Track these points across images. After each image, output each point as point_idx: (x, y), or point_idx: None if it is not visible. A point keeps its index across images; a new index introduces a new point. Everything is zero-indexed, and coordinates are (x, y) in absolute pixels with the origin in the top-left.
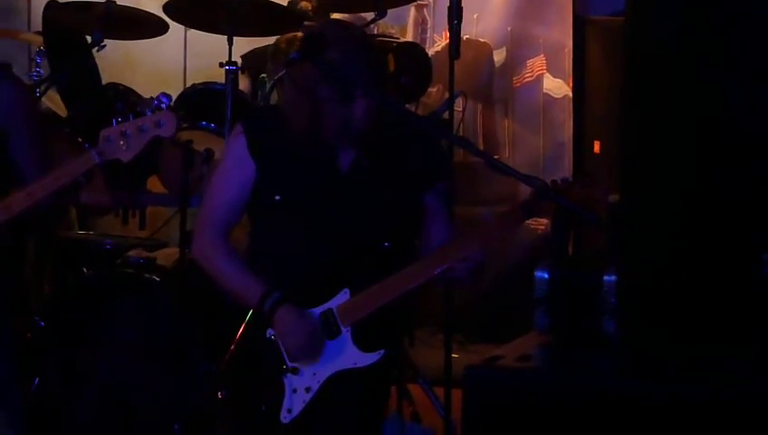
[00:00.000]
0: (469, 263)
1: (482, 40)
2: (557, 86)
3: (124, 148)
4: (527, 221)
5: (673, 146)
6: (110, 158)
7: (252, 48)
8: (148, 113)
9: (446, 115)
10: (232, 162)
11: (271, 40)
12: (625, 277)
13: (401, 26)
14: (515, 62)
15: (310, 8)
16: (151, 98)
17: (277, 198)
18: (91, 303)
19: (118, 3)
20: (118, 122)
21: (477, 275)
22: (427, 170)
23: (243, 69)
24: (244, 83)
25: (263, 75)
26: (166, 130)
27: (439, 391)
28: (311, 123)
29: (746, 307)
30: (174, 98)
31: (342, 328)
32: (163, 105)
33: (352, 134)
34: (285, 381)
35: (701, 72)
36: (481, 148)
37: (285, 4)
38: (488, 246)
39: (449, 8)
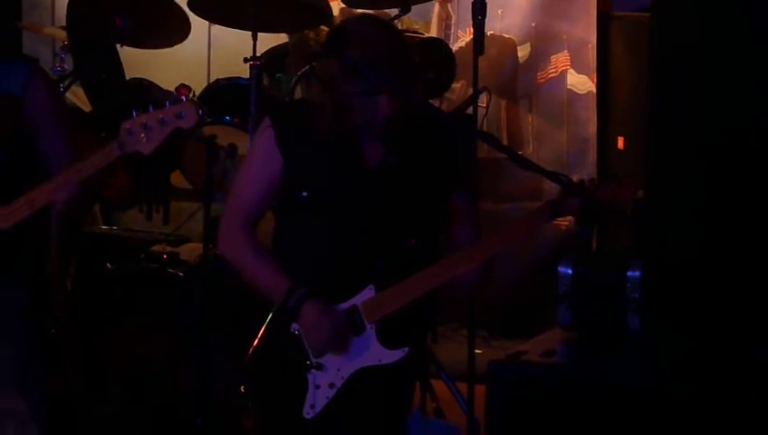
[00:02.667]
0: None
1: (506, 36)
2: (581, 82)
3: (145, 140)
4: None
5: (698, 142)
6: (131, 150)
7: (275, 44)
8: (169, 105)
9: (470, 111)
10: (260, 156)
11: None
12: (649, 273)
13: (425, 22)
14: (539, 57)
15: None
16: (172, 90)
17: (304, 193)
18: (115, 298)
19: None
20: (138, 114)
21: (485, 282)
22: (452, 167)
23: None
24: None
25: (279, 75)
26: (187, 121)
27: (462, 387)
28: (336, 119)
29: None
30: (198, 93)
31: (367, 325)
32: (183, 96)
33: (378, 129)
34: (309, 376)
35: (727, 67)
36: (505, 144)
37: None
38: (514, 245)
39: (473, 4)
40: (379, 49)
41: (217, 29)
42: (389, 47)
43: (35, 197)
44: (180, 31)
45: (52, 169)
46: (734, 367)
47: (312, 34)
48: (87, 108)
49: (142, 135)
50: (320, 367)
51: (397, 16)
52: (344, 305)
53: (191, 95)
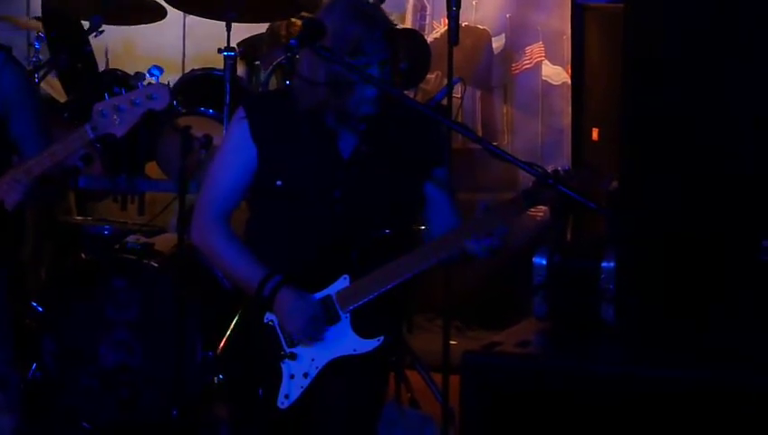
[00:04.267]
0: (493, 240)
1: (481, 27)
2: (556, 73)
3: (117, 122)
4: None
5: (671, 133)
6: (104, 132)
7: (250, 35)
8: (141, 87)
9: (444, 101)
10: (233, 146)
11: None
12: (623, 264)
13: (400, 13)
14: (514, 48)
15: None
16: (143, 72)
17: (278, 183)
18: (90, 288)
19: None
20: (110, 97)
21: (496, 253)
22: (426, 157)
23: (240, 56)
24: (240, 70)
25: (257, 62)
26: (159, 102)
27: (437, 378)
28: (311, 109)
29: (746, 293)
30: (173, 84)
31: (342, 314)
32: (155, 78)
33: (352, 120)
34: (283, 366)
35: (701, 58)
36: (480, 134)
37: None
38: (489, 234)
39: None
40: (352, 40)
41: (192, 19)
42: (363, 37)
43: (7, 180)
44: (156, 13)
45: (26, 155)
46: (710, 357)
47: (283, 25)
48: (62, 98)
49: (115, 117)
50: (294, 357)
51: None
52: (319, 295)
53: (162, 77)
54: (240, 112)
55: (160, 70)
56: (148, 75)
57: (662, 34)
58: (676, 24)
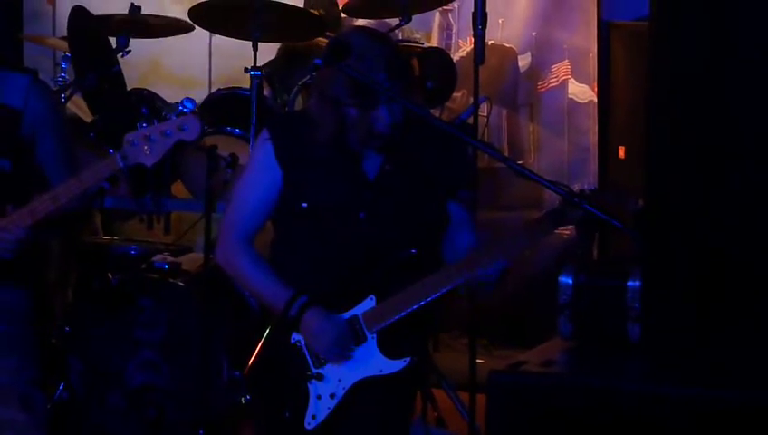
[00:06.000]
0: (494, 269)
1: (507, 45)
2: (582, 91)
3: (148, 152)
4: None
5: (697, 151)
6: (134, 162)
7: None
8: (173, 118)
9: (470, 120)
10: (258, 168)
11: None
12: (649, 283)
13: (426, 32)
14: (540, 66)
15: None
16: (176, 103)
17: (304, 205)
18: (116, 308)
19: (143, 9)
20: (142, 127)
21: (502, 282)
22: (450, 177)
23: (264, 77)
24: (265, 90)
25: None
26: (189, 133)
27: (464, 396)
28: (336, 130)
29: None
30: (199, 103)
31: (368, 335)
32: (187, 109)
33: (377, 140)
34: (310, 387)
35: (727, 77)
36: (506, 153)
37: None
38: (515, 255)
39: (474, 14)
40: (378, 60)
41: (218, 37)
42: (388, 58)
43: (35, 207)
44: (182, 27)
45: (51, 180)
46: (736, 376)
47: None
48: (88, 118)
49: (145, 147)
50: (321, 377)
51: (398, 26)
52: (345, 315)
53: (195, 108)
54: (264, 134)
55: (193, 102)
56: (180, 107)
57: (687, 52)
58: (702, 41)
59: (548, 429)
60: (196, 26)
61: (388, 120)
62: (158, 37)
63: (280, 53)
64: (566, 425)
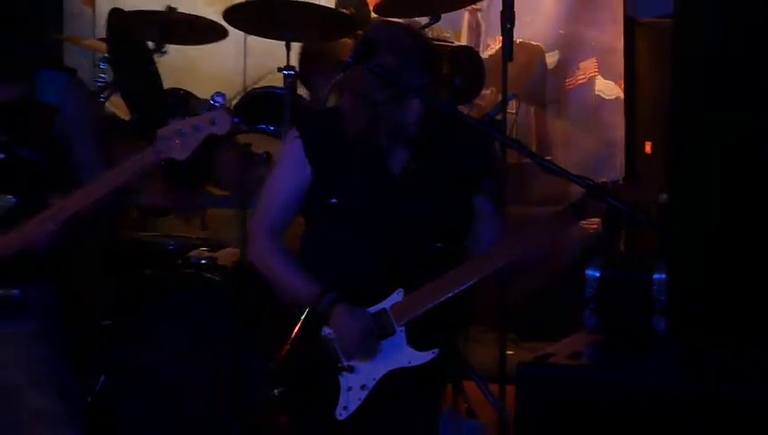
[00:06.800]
0: (536, 255)
1: (534, 43)
2: (609, 87)
3: (180, 146)
4: (580, 221)
5: (719, 146)
6: (166, 156)
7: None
8: (204, 112)
9: (499, 117)
10: (288, 165)
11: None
12: (675, 276)
13: (455, 30)
14: (568, 64)
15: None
16: (206, 99)
17: (333, 200)
18: (154, 302)
19: (178, 10)
20: (174, 121)
21: (540, 268)
22: (475, 172)
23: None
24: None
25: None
26: (220, 127)
27: (494, 388)
28: (366, 126)
29: None
30: (234, 102)
31: (397, 327)
32: (218, 104)
33: (406, 136)
34: (341, 379)
35: (748, 73)
36: (534, 149)
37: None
38: (540, 247)
39: (502, 12)
40: (408, 52)
41: (252, 38)
42: (418, 50)
43: (72, 201)
44: (217, 33)
45: (84, 177)
46: (761, 370)
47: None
48: (126, 117)
49: (177, 141)
50: (351, 369)
51: (427, 25)
52: (374, 309)
53: (225, 103)
54: (294, 132)
55: (223, 96)
56: (211, 101)
57: (710, 49)
58: (724, 38)
59: (575, 419)
60: (231, 28)
61: (416, 116)
62: (193, 44)
63: (302, 52)
64: (593, 415)
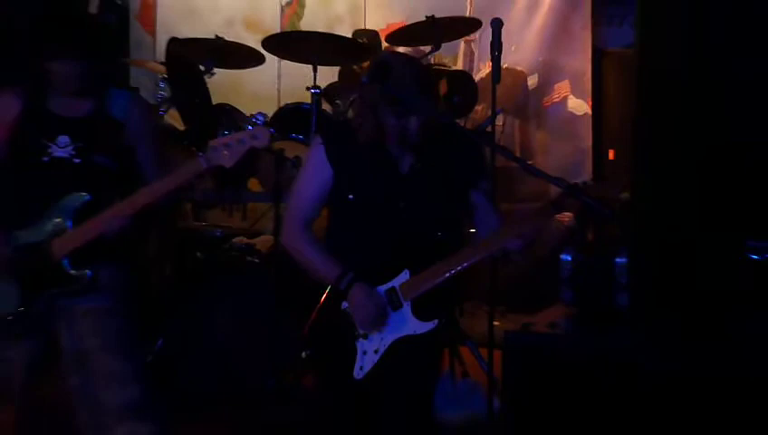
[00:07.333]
0: (523, 241)
1: (518, 68)
2: (579, 105)
3: (227, 156)
4: (557, 215)
5: (674, 153)
6: (215, 164)
7: (332, 75)
8: (248, 128)
9: (489, 128)
10: (312, 167)
11: None
12: (634, 260)
13: (453, 57)
14: (545, 85)
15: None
16: (251, 115)
17: (350, 196)
18: (204, 280)
19: (225, 39)
20: (222, 136)
21: (528, 250)
22: (469, 172)
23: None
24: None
25: (337, 101)
26: (260, 141)
27: (484, 352)
28: (376, 134)
29: (735, 285)
30: (270, 115)
31: (404, 302)
32: (259, 121)
33: (409, 143)
34: (358, 344)
35: (699, 97)
36: (518, 155)
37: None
38: (526, 234)
39: (491, 42)
40: (411, 77)
41: (285, 62)
42: (418, 76)
43: (137, 199)
44: (255, 59)
45: (147, 177)
46: (712, 339)
47: (357, 67)
48: (181, 127)
49: (225, 152)
50: (366, 336)
51: (430, 52)
52: (384, 287)
53: (266, 120)
54: (317, 139)
55: (264, 115)
56: (253, 119)
57: (668, 75)
58: (680, 64)
59: (552, 378)
60: (268, 54)
61: (417, 126)
62: (237, 68)
63: (339, 75)
64: (566, 375)
